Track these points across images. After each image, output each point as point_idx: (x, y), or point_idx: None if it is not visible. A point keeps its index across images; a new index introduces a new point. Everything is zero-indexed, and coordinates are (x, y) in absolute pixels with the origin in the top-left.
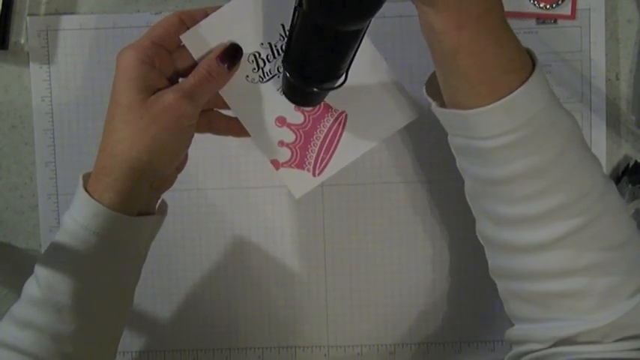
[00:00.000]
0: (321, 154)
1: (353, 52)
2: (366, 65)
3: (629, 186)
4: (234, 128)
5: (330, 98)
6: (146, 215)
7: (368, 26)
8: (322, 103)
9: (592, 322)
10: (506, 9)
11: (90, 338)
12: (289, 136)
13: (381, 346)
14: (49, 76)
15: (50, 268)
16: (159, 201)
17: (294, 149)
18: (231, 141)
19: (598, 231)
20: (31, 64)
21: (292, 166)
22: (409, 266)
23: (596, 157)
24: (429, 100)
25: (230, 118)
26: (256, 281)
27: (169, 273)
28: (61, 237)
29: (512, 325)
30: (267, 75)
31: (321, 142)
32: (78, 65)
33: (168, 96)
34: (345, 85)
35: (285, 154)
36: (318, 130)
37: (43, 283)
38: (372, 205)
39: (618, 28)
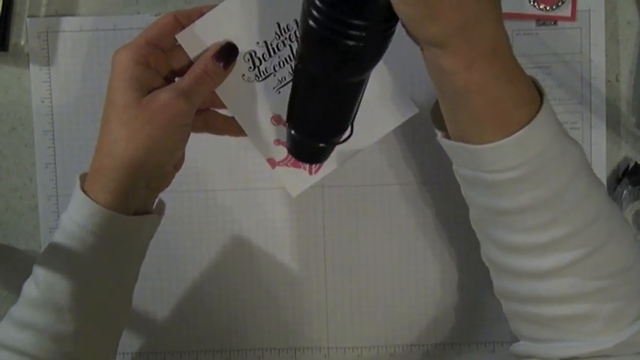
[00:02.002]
0: None
1: (357, 104)
2: None
3: (629, 187)
4: (231, 128)
5: None
6: (143, 215)
7: (369, 77)
8: None
9: (598, 344)
10: (505, 10)
11: (89, 338)
12: (285, 135)
13: (381, 348)
14: (49, 77)
15: (48, 268)
16: (156, 200)
17: None
18: (231, 141)
19: (603, 258)
20: (31, 65)
21: (288, 164)
22: (409, 268)
23: (601, 181)
24: (435, 130)
25: (227, 117)
26: (256, 282)
27: (169, 273)
28: (59, 237)
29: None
30: (263, 74)
31: None
32: (78, 67)
33: (164, 95)
34: None
35: (281, 153)
36: None
37: (41, 284)
38: (373, 206)
39: (618, 30)
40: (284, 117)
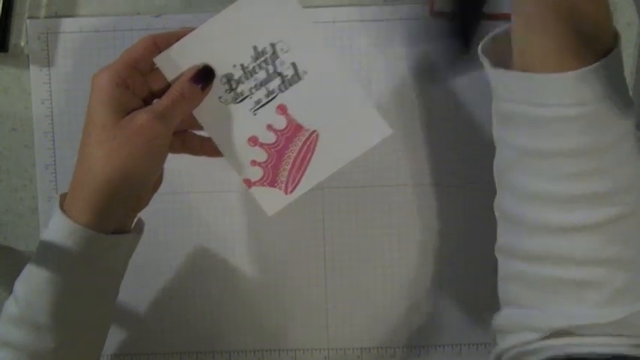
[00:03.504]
0: (293, 173)
1: None
2: (337, 83)
3: None
4: (208, 148)
5: (302, 118)
6: (122, 234)
7: None
8: (294, 123)
9: (600, 317)
10: (506, 11)
11: (69, 355)
12: (261, 156)
13: (381, 349)
14: (49, 78)
15: (28, 286)
16: (135, 219)
17: (266, 168)
18: None
19: (631, 226)
20: (31, 66)
21: (264, 184)
22: (410, 268)
23: None
24: (484, 60)
25: (204, 138)
26: (256, 283)
27: (169, 274)
28: (38, 256)
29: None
30: (240, 96)
31: (293, 160)
32: (78, 68)
33: (141, 117)
34: (316, 103)
35: (257, 173)
36: (289, 150)
37: (21, 302)
38: (373, 207)
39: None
40: (260, 138)
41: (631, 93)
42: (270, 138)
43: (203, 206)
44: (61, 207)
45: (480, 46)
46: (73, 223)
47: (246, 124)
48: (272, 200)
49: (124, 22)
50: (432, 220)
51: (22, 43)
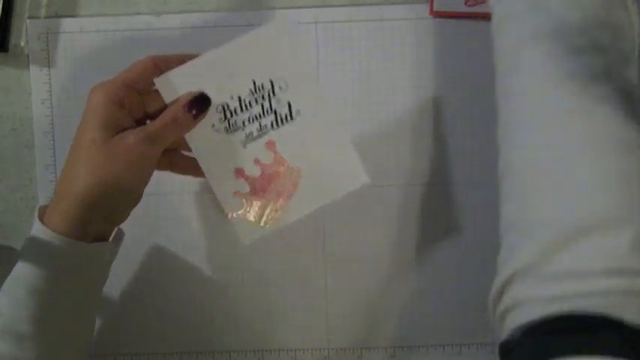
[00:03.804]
0: (272, 208)
1: None
2: (326, 128)
3: None
4: (195, 169)
5: (288, 156)
6: (100, 242)
7: None
8: (280, 160)
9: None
10: None
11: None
12: (245, 187)
13: (381, 349)
14: (49, 78)
15: (10, 297)
16: (115, 230)
17: (248, 201)
18: None
19: None
20: (31, 66)
21: (244, 216)
22: (410, 268)
23: None
24: None
25: (191, 159)
26: (256, 283)
27: (169, 274)
28: (19, 266)
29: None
30: (233, 127)
31: (275, 196)
32: (78, 68)
33: (131, 138)
34: (304, 144)
35: (238, 205)
36: (272, 185)
37: (3, 312)
38: (373, 207)
39: None
40: (246, 171)
41: None
42: (255, 171)
43: (203, 206)
44: (41, 218)
45: None
46: (51, 232)
47: (235, 156)
48: (249, 230)
49: (124, 22)
50: (432, 220)
51: (22, 43)
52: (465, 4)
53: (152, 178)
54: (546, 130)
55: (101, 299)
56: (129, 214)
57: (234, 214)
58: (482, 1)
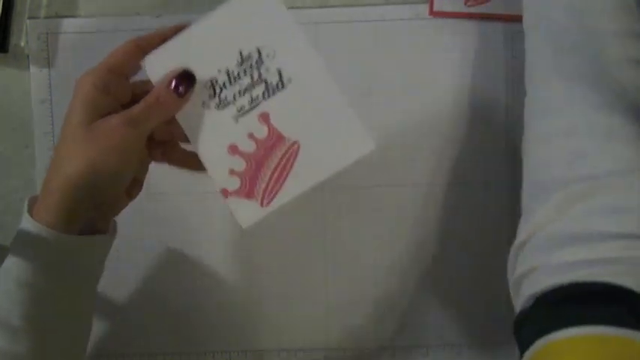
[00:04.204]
0: (271, 184)
1: None
2: (321, 93)
3: None
4: (191, 162)
5: (284, 128)
6: (90, 235)
7: None
8: (275, 133)
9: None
10: (506, 11)
11: (49, 358)
12: (240, 165)
13: (381, 349)
14: (49, 79)
15: (1, 290)
16: (111, 222)
17: (244, 178)
18: None
19: None
20: (31, 67)
21: (241, 195)
22: (409, 268)
23: None
24: None
25: (188, 152)
26: (256, 283)
27: (168, 274)
28: (9, 260)
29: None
30: (224, 102)
31: (272, 171)
32: (78, 68)
33: (113, 121)
34: (299, 113)
35: (234, 183)
36: (269, 160)
37: None
38: (373, 207)
39: None
40: (240, 147)
41: None
42: (250, 147)
43: (203, 206)
44: (30, 210)
45: None
46: (39, 224)
47: (228, 132)
48: (247, 212)
49: (124, 22)
50: (432, 220)
51: (22, 43)
52: (465, 4)
53: (152, 178)
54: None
55: (95, 294)
56: (124, 205)
57: (231, 195)
58: (482, 2)
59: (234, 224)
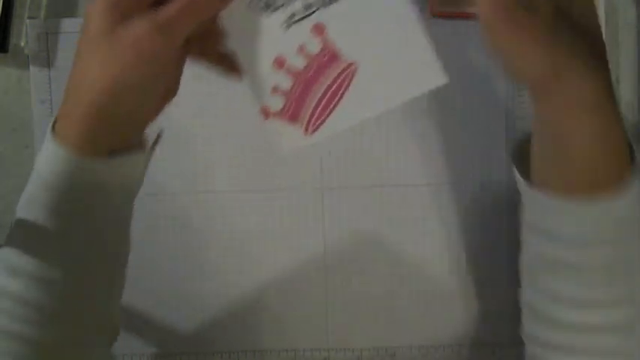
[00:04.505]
0: (319, 110)
1: None
2: (391, 11)
3: None
4: (227, 64)
5: (341, 44)
6: (123, 154)
7: None
8: (330, 49)
9: None
10: None
11: (82, 286)
12: (286, 82)
13: (382, 349)
14: (49, 79)
15: (28, 215)
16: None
17: (289, 99)
18: (230, 142)
19: None
20: (31, 67)
21: (283, 118)
22: (410, 268)
23: None
24: (518, 177)
25: (227, 51)
26: (256, 284)
27: (168, 274)
28: (32, 184)
29: (519, 331)
30: (273, 4)
31: (322, 95)
32: None
33: (139, 27)
34: (361, 30)
35: (277, 103)
36: (320, 81)
37: (25, 230)
38: (373, 207)
39: (618, 31)
40: (288, 61)
41: (632, 93)
42: (299, 63)
43: (204, 207)
44: (53, 128)
45: (510, 152)
46: (60, 147)
47: (275, 42)
48: (287, 138)
49: None
50: (432, 221)
51: (22, 44)
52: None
53: (153, 178)
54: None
55: (130, 218)
56: (159, 112)
57: (272, 117)
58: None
59: (234, 224)
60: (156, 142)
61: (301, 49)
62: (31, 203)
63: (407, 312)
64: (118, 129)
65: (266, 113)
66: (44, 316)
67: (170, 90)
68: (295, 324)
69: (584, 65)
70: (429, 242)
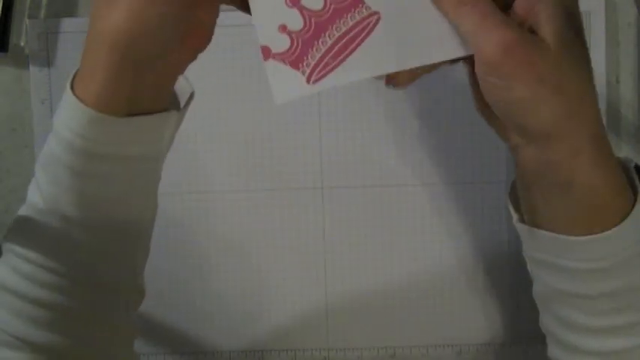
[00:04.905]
0: (328, 57)
1: None
2: None
3: None
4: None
5: None
6: (151, 113)
7: None
8: None
9: None
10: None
11: (107, 248)
12: (296, 22)
13: (382, 349)
14: (49, 78)
15: (47, 176)
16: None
17: (296, 40)
18: (230, 141)
19: None
20: (30, 66)
21: (286, 61)
22: (410, 268)
23: None
24: (512, 212)
25: None
26: (256, 284)
27: (168, 275)
28: (53, 144)
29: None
30: None
31: (334, 41)
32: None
33: None
34: None
35: (282, 43)
36: (335, 26)
37: (44, 193)
38: (373, 207)
39: (618, 31)
40: (304, 0)
41: (631, 92)
42: (316, 3)
43: (204, 207)
44: (72, 85)
45: (507, 194)
46: (80, 104)
47: None
48: (287, 84)
49: None
50: (433, 220)
51: (22, 43)
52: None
53: None
54: None
55: (158, 181)
56: (186, 62)
57: (274, 58)
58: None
59: (234, 224)
60: (188, 103)
61: None
62: (51, 162)
63: (407, 312)
64: (143, 78)
65: (267, 52)
66: (67, 282)
67: (200, 37)
68: (295, 324)
69: (592, 96)
70: (428, 242)
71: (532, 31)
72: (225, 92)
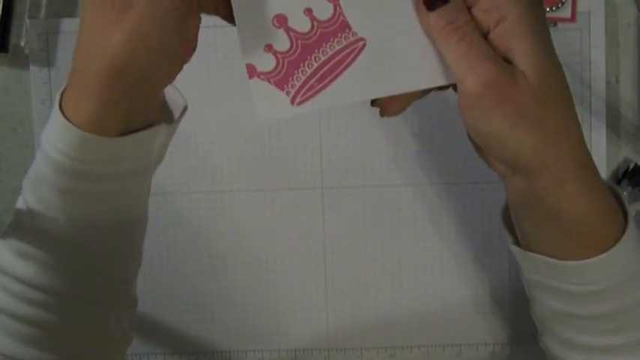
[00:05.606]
0: (313, 80)
1: None
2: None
3: (629, 188)
4: (224, 8)
5: (353, 17)
6: (137, 131)
7: None
8: (341, 19)
9: None
10: None
11: (95, 262)
12: (283, 43)
13: (382, 349)
14: (49, 78)
15: (36, 194)
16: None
17: (282, 61)
18: (231, 141)
19: None
20: (30, 66)
21: (271, 81)
22: (409, 268)
23: None
24: (506, 235)
25: None
26: (256, 284)
27: (168, 275)
28: (41, 164)
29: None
30: None
31: (320, 65)
32: None
33: None
34: (380, 7)
35: (268, 63)
36: (322, 49)
37: (32, 210)
38: (373, 207)
39: (618, 31)
40: (290, 21)
41: (631, 92)
42: (303, 25)
43: (204, 207)
44: (60, 104)
45: (500, 216)
46: (69, 124)
47: None
48: (271, 104)
49: None
50: (432, 220)
51: (22, 43)
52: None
53: (153, 178)
54: None
55: (148, 194)
56: (175, 74)
57: (259, 77)
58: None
59: (234, 224)
60: (180, 116)
61: (308, 11)
62: (39, 183)
63: (407, 312)
64: (137, 97)
65: (251, 71)
66: (56, 299)
67: (188, 49)
68: (295, 324)
69: (573, 126)
70: (428, 242)
71: (508, 61)
72: (225, 93)
